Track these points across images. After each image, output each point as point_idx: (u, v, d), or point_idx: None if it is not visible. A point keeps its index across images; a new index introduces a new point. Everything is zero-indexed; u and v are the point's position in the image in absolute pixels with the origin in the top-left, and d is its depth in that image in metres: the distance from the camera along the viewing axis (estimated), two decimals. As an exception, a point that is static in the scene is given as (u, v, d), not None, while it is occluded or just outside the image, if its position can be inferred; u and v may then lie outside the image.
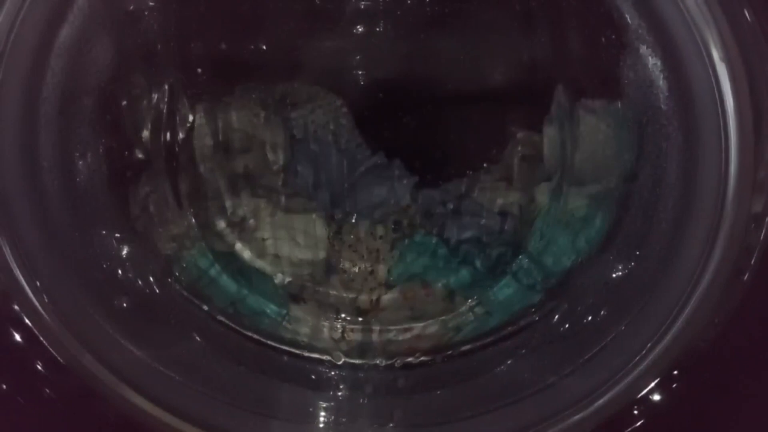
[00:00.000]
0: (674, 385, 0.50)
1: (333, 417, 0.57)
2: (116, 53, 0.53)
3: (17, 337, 0.51)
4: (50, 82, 0.50)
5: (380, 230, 0.66)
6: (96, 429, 0.53)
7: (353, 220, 0.66)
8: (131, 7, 0.53)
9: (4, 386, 0.51)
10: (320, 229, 0.65)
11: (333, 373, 0.61)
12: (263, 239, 0.64)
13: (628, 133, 0.55)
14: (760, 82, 0.45)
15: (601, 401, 0.51)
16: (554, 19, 0.56)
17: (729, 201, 0.47)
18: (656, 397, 0.50)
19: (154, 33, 0.56)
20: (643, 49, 0.48)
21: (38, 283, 0.51)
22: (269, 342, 0.61)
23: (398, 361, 0.61)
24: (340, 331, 0.63)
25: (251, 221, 0.64)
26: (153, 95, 0.58)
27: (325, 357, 0.61)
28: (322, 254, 0.65)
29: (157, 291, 0.58)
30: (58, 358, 0.52)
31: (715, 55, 0.44)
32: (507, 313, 0.61)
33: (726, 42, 0.44)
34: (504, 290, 0.62)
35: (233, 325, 0.60)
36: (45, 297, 0.51)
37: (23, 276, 0.51)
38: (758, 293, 0.49)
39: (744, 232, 0.48)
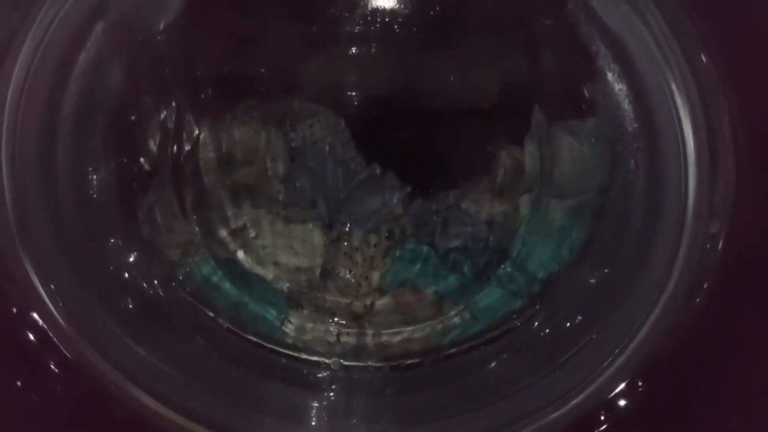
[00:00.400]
0: (640, 389, 0.54)
1: (327, 416, 0.61)
2: (128, 75, 0.58)
3: (32, 338, 0.56)
4: (69, 101, 0.55)
5: (374, 239, 0.69)
6: (104, 425, 0.57)
7: (348, 229, 0.69)
8: (142, 36, 0.57)
9: (19, 383, 0.55)
10: (317, 238, 0.69)
11: (328, 374, 0.64)
12: (263, 247, 0.68)
13: (601, 149, 0.59)
14: (714, 110, 0.49)
15: (575, 401, 0.55)
16: (532, 46, 0.60)
17: (689, 216, 0.52)
18: (622, 400, 0.54)
19: (163, 57, 0.60)
20: (611, 76, 0.53)
21: (52, 287, 0.55)
22: (268, 345, 0.65)
23: (390, 363, 0.64)
24: (335, 334, 0.67)
25: (252, 230, 0.68)
26: (161, 113, 0.62)
27: (321, 359, 0.65)
28: (318, 261, 0.68)
29: (162, 294, 0.62)
30: (69, 358, 0.56)
31: (674, 85, 0.49)
32: (491, 317, 0.65)
33: (683, 73, 0.48)
34: (489, 296, 0.66)
35: (233, 328, 0.64)
36: (59, 300, 0.56)
37: (38, 279, 0.55)
38: (718, 302, 0.53)
39: (703, 246, 0.52)
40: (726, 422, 0.51)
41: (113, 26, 0.55)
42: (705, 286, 0.52)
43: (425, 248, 0.68)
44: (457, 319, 0.66)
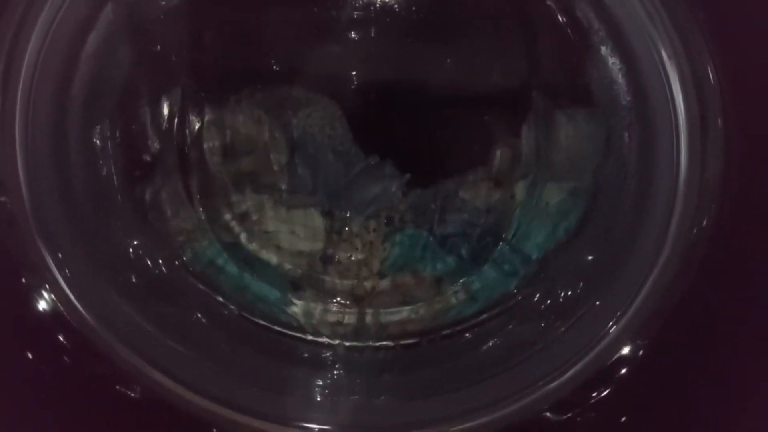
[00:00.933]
0: (641, 352, 0.56)
1: (330, 392, 0.63)
2: (135, 59, 0.60)
3: (42, 310, 0.57)
4: (78, 83, 0.57)
5: (373, 224, 0.71)
6: (111, 396, 0.58)
7: (348, 216, 0.71)
8: (149, 18, 0.60)
9: (30, 355, 0.57)
10: (318, 223, 0.71)
11: (329, 353, 0.66)
12: (266, 232, 0.70)
13: (597, 133, 0.61)
14: (704, 78, 0.52)
15: (576, 367, 0.57)
16: (529, 29, 0.62)
17: (681, 187, 0.54)
18: (627, 361, 0.56)
19: (167, 42, 0.62)
20: (604, 50, 0.55)
21: (60, 255, 0.57)
22: (271, 326, 0.66)
23: (390, 343, 0.66)
24: (336, 315, 0.68)
25: (255, 215, 0.70)
26: (167, 98, 0.64)
27: (323, 340, 0.66)
28: (319, 246, 0.70)
29: (166, 272, 0.64)
30: (78, 330, 0.57)
31: (664, 53, 0.51)
32: (488, 298, 0.66)
33: (673, 42, 0.51)
34: (485, 277, 0.67)
35: (237, 309, 0.66)
36: (68, 273, 0.57)
37: (48, 253, 0.57)
38: (710, 274, 0.55)
39: (694, 220, 0.55)
40: (720, 383, 0.53)
41: (122, 8, 0.57)
42: (698, 256, 0.54)
43: (424, 233, 0.70)
44: (454, 300, 0.68)
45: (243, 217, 0.69)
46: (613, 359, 0.56)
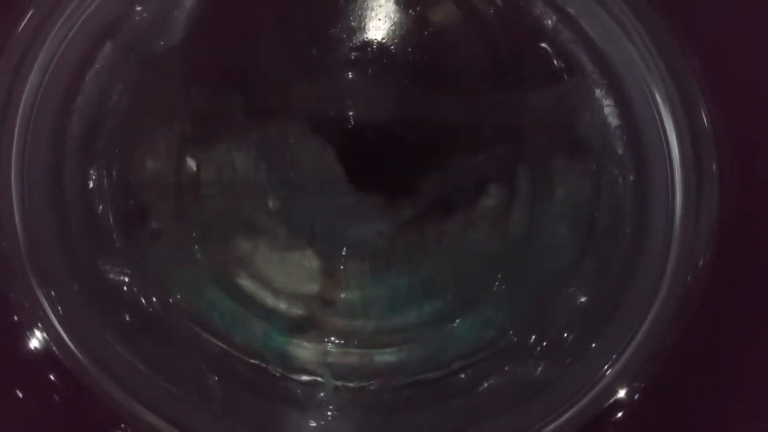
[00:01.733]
0: (637, 396, 0.56)
1: (322, 434, 0.62)
2: (132, 99, 0.61)
3: (33, 348, 0.57)
4: (75, 121, 0.58)
5: (360, 265, 0.71)
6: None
7: (343, 254, 0.71)
8: (147, 57, 0.61)
9: (20, 394, 0.56)
10: (314, 265, 0.71)
11: (323, 394, 0.65)
12: (262, 273, 0.70)
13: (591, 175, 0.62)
14: (698, 121, 0.53)
15: (573, 410, 0.57)
16: (522, 69, 0.63)
17: (676, 229, 0.55)
18: (623, 404, 0.56)
19: (165, 83, 0.63)
20: (598, 93, 0.56)
21: (53, 293, 0.57)
22: (263, 365, 0.66)
23: (383, 383, 0.66)
24: (331, 355, 0.68)
25: (252, 257, 0.70)
26: (164, 138, 0.65)
27: (317, 379, 0.66)
28: (315, 287, 0.70)
29: (159, 312, 0.63)
30: (70, 369, 0.57)
31: (658, 97, 0.52)
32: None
33: (667, 86, 0.52)
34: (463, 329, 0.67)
35: (229, 349, 0.65)
36: (60, 311, 0.57)
37: (41, 291, 0.57)
38: (708, 310, 0.55)
39: (690, 258, 0.55)
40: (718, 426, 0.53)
41: (122, 46, 0.58)
42: (695, 298, 0.55)
43: (406, 278, 0.70)
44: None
45: (239, 259, 0.69)
46: (609, 402, 0.56)
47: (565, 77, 0.58)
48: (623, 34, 0.55)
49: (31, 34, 0.55)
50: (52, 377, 0.57)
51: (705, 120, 0.54)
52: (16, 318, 0.56)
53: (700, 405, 0.54)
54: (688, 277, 0.55)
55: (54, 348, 0.57)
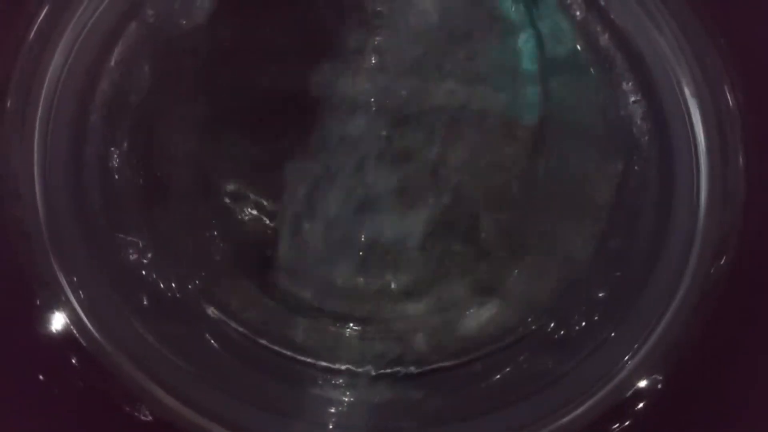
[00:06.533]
0: (659, 386, 0.58)
1: (341, 419, 0.64)
2: (156, 78, 0.62)
3: (54, 332, 0.58)
4: (98, 99, 0.60)
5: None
6: (122, 421, 0.59)
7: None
8: (172, 36, 0.62)
9: (41, 377, 0.57)
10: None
11: (341, 380, 0.67)
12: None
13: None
14: (726, 115, 0.55)
15: (593, 399, 0.59)
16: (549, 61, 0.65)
17: (700, 223, 0.57)
18: (644, 394, 0.58)
19: (190, 63, 0.64)
20: (625, 86, 0.58)
21: (75, 279, 0.58)
22: (282, 350, 0.67)
23: (400, 370, 0.67)
24: (348, 341, 0.69)
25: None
26: (187, 119, 0.65)
27: (335, 365, 0.68)
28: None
29: (178, 294, 0.65)
30: (91, 353, 0.58)
31: (686, 90, 0.54)
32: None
33: (695, 79, 0.54)
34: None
35: (245, 331, 0.67)
36: (81, 294, 0.59)
37: (62, 273, 0.58)
38: (731, 302, 0.57)
39: (714, 251, 0.57)
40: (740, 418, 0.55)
41: (146, 26, 0.59)
42: (717, 290, 0.57)
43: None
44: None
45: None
46: (630, 392, 0.58)
47: (592, 69, 0.60)
48: (652, 23, 0.56)
49: (58, 11, 0.56)
50: (73, 360, 0.58)
51: (732, 111, 0.56)
52: (38, 302, 0.57)
53: (721, 397, 0.56)
54: (712, 269, 0.57)
55: (74, 330, 0.58)
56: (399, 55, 0.64)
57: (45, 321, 0.58)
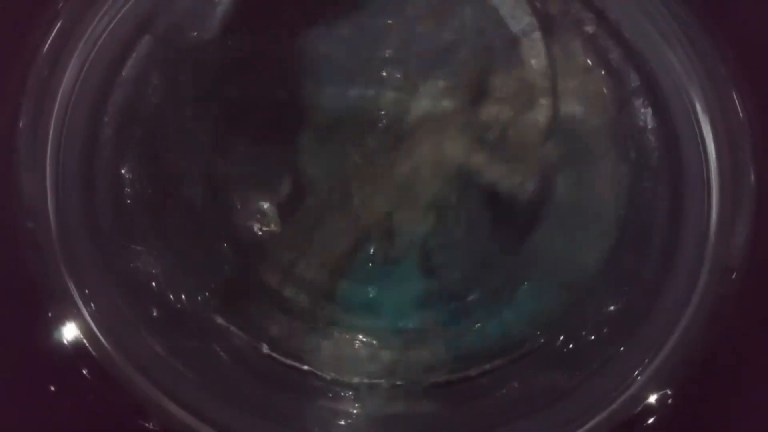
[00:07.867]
0: (669, 401, 0.58)
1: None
2: (168, 91, 0.63)
3: (66, 343, 0.59)
4: (111, 111, 0.60)
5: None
6: (129, 429, 0.60)
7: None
8: (184, 50, 0.62)
9: (53, 388, 0.58)
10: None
11: (351, 393, 0.67)
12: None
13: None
14: (737, 132, 0.55)
15: (603, 414, 0.59)
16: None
17: (711, 240, 0.57)
18: (654, 410, 0.58)
19: (201, 77, 0.65)
20: (637, 102, 0.59)
21: (87, 291, 0.59)
22: (291, 362, 0.68)
23: (410, 383, 0.68)
24: (357, 354, 0.70)
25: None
26: (197, 132, 0.66)
27: (343, 378, 0.68)
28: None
29: (188, 306, 0.66)
30: (102, 365, 0.59)
31: (698, 106, 0.55)
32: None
33: (707, 96, 0.54)
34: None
35: (255, 344, 0.67)
36: (93, 307, 0.59)
37: (74, 285, 0.59)
38: (741, 318, 0.58)
39: (724, 267, 0.58)
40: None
41: (159, 39, 0.60)
42: (728, 306, 0.57)
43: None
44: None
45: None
46: (640, 408, 0.58)
47: (605, 86, 0.61)
48: (663, 40, 0.57)
49: (71, 25, 0.57)
50: (84, 371, 0.59)
51: (743, 127, 0.57)
52: (50, 314, 0.58)
53: (731, 412, 0.56)
54: (722, 284, 0.58)
55: (85, 342, 0.59)
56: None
57: (57, 333, 0.59)
